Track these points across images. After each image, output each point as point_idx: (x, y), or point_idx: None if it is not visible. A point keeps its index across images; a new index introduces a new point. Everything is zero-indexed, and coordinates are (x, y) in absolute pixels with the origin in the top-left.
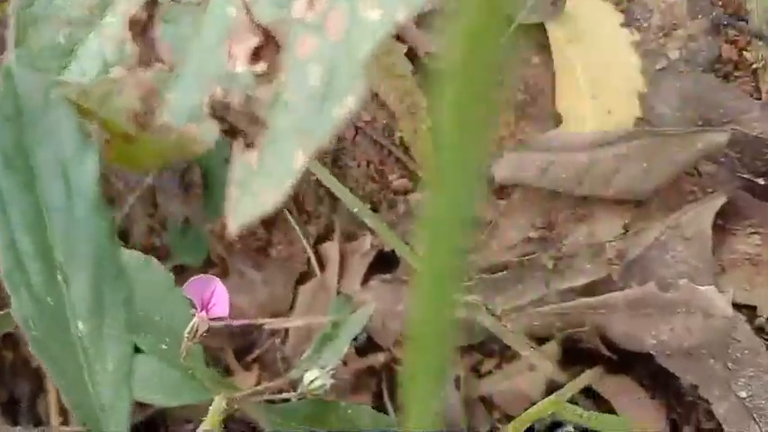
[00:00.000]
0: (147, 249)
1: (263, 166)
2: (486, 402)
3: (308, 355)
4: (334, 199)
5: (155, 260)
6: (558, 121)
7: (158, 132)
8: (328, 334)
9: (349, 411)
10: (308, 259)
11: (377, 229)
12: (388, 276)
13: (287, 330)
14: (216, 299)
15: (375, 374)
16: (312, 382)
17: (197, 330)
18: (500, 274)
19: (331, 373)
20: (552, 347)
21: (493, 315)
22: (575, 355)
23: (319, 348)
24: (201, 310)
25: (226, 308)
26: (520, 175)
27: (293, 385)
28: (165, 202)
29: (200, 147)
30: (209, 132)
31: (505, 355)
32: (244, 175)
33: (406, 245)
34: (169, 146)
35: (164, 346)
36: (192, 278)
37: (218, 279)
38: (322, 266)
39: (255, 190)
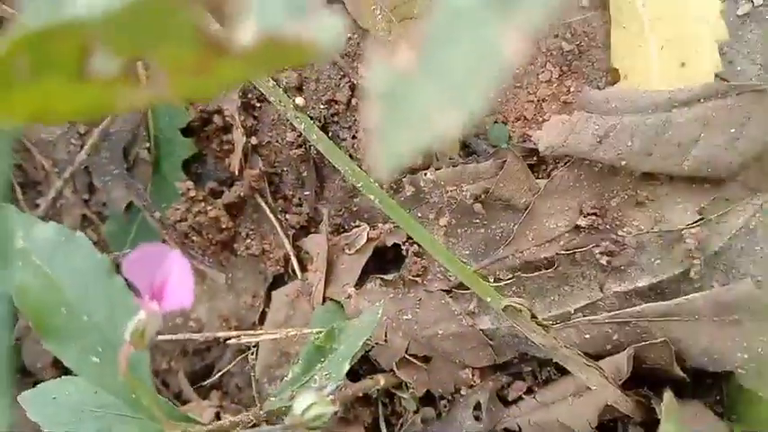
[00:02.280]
0: None
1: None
2: None
3: (294, 375)
4: (321, 179)
5: (81, 237)
6: (613, 77)
7: (243, 52)
8: (321, 348)
9: None
10: (286, 257)
11: (383, 204)
12: (389, 277)
13: (257, 347)
14: (173, 280)
15: (371, 404)
16: (306, 410)
17: (143, 330)
18: (540, 273)
19: (331, 397)
20: (611, 365)
21: (538, 323)
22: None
23: (309, 366)
24: (151, 299)
25: (188, 294)
26: (570, 144)
27: (269, 418)
28: (103, 184)
29: (314, 51)
30: (329, 28)
31: (539, 376)
32: (395, 86)
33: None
34: (262, 60)
35: (95, 359)
36: (138, 248)
37: (175, 250)
38: (303, 266)
39: (418, 107)
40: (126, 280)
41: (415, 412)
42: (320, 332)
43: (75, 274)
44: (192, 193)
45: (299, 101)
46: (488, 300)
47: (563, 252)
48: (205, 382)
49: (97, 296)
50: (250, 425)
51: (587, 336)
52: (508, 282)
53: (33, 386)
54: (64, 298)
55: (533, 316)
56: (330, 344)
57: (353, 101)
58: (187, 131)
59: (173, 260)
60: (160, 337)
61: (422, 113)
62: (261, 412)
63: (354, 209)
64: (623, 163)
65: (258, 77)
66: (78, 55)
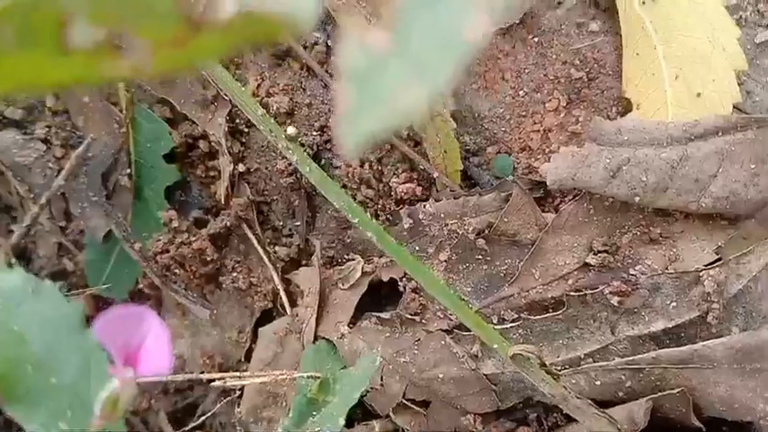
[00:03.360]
0: (55, 276)
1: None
2: None
3: (285, 429)
4: (313, 209)
5: (50, 285)
6: (625, 107)
7: (221, 26)
8: (314, 400)
9: None
10: (274, 291)
11: (381, 242)
12: (386, 315)
13: (242, 389)
14: (150, 345)
15: None
16: None
17: (116, 401)
18: (547, 315)
19: None
20: (624, 414)
21: (548, 372)
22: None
23: (301, 420)
24: (125, 364)
25: (165, 360)
26: (580, 178)
27: None
28: (80, 211)
29: (288, 26)
30: (303, 3)
31: (545, 423)
32: (366, 65)
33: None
34: (239, 34)
35: (63, 425)
36: (111, 310)
37: (152, 312)
38: (293, 301)
39: (386, 85)
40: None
41: None
42: (311, 377)
43: (42, 328)
44: (176, 224)
45: (291, 130)
46: (494, 346)
47: (572, 293)
48: (188, 424)
49: (68, 353)
50: None
51: (598, 383)
52: (513, 324)
53: None
54: (30, 355)
55: (543, 364)
56: (323, 396)
57: None
58: (170, 157)
59: (149, 322)
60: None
61: (390, 91)
62: None
63: (348, 241)
64: (637, 199)
65: (234, 52)
66: (59, 27)
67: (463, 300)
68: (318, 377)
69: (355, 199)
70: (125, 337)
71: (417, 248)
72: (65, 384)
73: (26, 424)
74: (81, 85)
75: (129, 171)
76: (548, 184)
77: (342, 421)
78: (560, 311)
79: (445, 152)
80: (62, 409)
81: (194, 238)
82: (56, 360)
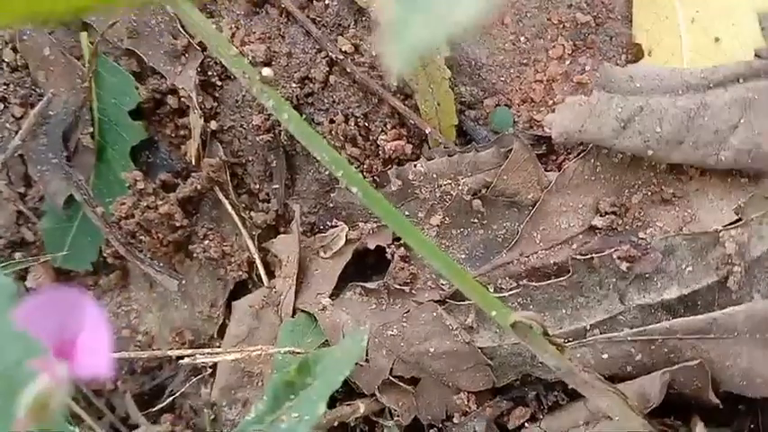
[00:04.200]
0: (14, 246)
1: None
2: None
3: (258, 413)
4: (292, 171)
5: None
6: (635, 54)
7: None
8: (292, 382)
9: None
10: (250, 260)
11: (367, 199)
12: (372, 285)
13: (215, 367)
14: (86, 336)
15: (347, 429)
16: None
17: (46, 401)
18: (549, 282)
19: None
20: (634, 390)
21: (552, 342)
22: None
23: (276, 404)
24: (57, 357)
25: (104, 355)
26: (588, 129)
27: None
28: (39, 174)
29: None
30: None
31: (545, 401)
32: None
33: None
34: None
35: None
36: (39, 293)
37: (88, 297)
38: (270, 272)
39: None
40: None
41: None
42: (289, 352)
43: None
44: (141, 186)
45: (267, 72)
46: (493, 314)
47: (578, 257)
48: (156, 405)
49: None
50: None
51: (605, 355)
52: (512, 291)
53: None
54: None
55: (546, 333)
56: (303, 378)
57: (331, 79)
58: (137, 114)
59: (85, 309)
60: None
61: (436, 4)
62: None
63: (331, 205)
64: (650, 153)
65: None
66: None
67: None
68: (298, 353)
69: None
70: (56, 326)
71: (407, 213)
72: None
73: None
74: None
75: (91, 130)
76: (552, 137)
77: (322, 407)
78: (564, 278)
79: (438, 105)
80: None
81: (162, 202)
82: None
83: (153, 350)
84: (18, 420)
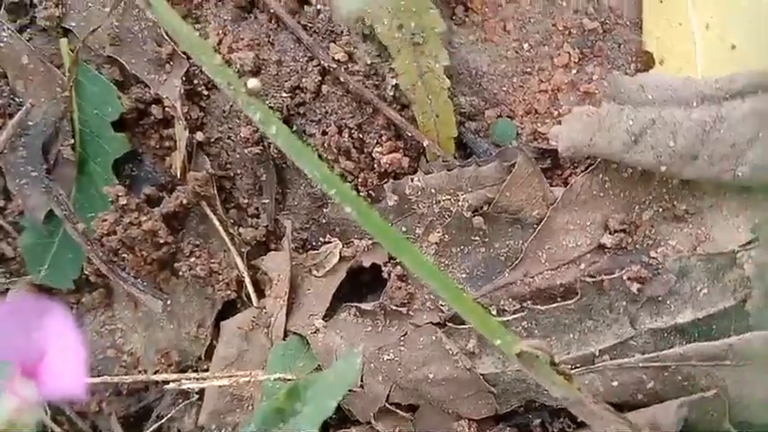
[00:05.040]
0: None
1: None
2: None
3: None
4: (283, 185)
5: None
6: (646, 62)
7: None
8: (281, 409)
9: None
10: (239, 279)
11: (361, 217)
12: (368, 306)
13: (202, 391)
14: (57, 353)
15: None
16: None
17: (14, 425)
18: (556, 304)
19: None
20: (645, 419)
21: (560, 372)
22: None
23: (267, 428)
24: (24, 376)
25: (77, 374)
26: (597, 143)
27: None
28: (18, 188)
29: None
30: None
31: (550, 429)
32: None
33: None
34: None
35: None
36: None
37: (60, 308)
38: (260, 291)
39: None
40: None
41: None
42: (280, 379)
43: None
44: (123, 201)
45: (254, 82)
46: (497, 342)
47: (587, 279)
48: (142, 429)
49: None
50: None
51: (615, 383)
52: (516, 315)
53: None
54: None
55: (554, 363)
56: (292, 405)
57: (324, 88)
58: (119, 125)
59: (56, 322)
60: (88, 379)
61: None
62: None
63: (324, 221)
64: (663, 168)
65: None
66: None
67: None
68: (288, 380)
69: (332, 171)
70: (22, 342)
71: (404, 229)
72: None
73: None
74: None
75: (72, 141)
76: (559, 150)
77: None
78: (572, 300)
79: (437, 116)
80: None
81: (145, 218)
82: None
83: (138, 373)
84: None
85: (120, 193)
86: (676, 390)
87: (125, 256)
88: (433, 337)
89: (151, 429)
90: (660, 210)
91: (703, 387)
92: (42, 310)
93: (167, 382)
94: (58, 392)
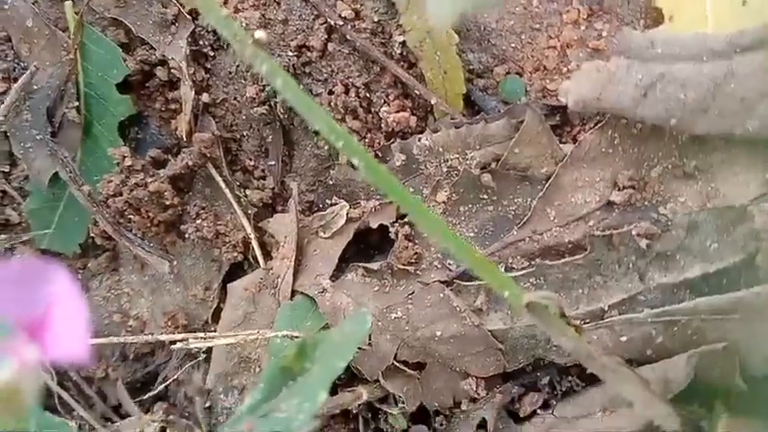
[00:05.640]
0: None
1: None
2: None
3: (254, 402)
4: (290, 146)
5: None
6: (655, 19)
7: None
8: (289, 369)
9: None
10: (245, 241)
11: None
12: (375, 266)
13: (209, 352)
14: (59, 315)
15: (350, 420)
16: None
17: (15, 389)
18: (565, 260)
19: None
20: (655, 374)
21: (567, 321)
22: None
23: (273, 392)
24: (28, 339)
25: (80, 336)
26: (607, 97)
27: None
28: (23, 152)
29: None
30: None
31: (558, 387)
32: None
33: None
34: None
35: None
36: (3, 265)
37: (62, 269)
38: (267, 252)
39: None
40: None
41: (405, 431)
42: (287, 336)
43: None
44: (129, 162)
45: (261, 34)
46: (505, 294)
47: (596, 233)
48: (148, 393)
49: None
50: None
51: (624, 338)
52: (525, 271)
53: None
54: None
55: (563, 315)
56: (301, 364)
57: (330, 47)
58: (124, 87)
59: (58, 284)
60: (94, 341)
61: None
62: None
63: (330, 183)
64: (673, 122)
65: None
66: None
67: None
68: (296, 337)
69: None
70: (24, 303)
71: (411, 189)
72: None
73: None
74: None
75: (77, 104)
76: (568, 105)
77: (323, 396)
78: (581, 256)
79: (445, 73)
80: None
81: (151, 179)
82: None
83: (145, 335)
84: None
85: (125, 155)
86: (685, 344)
87: (131, 217)
88: (441, 295)
89: (157, 391)
90: (669, 166)
91: (713, 341)
92: (46, 273)
93: (174, 343)
94: (62, 355)
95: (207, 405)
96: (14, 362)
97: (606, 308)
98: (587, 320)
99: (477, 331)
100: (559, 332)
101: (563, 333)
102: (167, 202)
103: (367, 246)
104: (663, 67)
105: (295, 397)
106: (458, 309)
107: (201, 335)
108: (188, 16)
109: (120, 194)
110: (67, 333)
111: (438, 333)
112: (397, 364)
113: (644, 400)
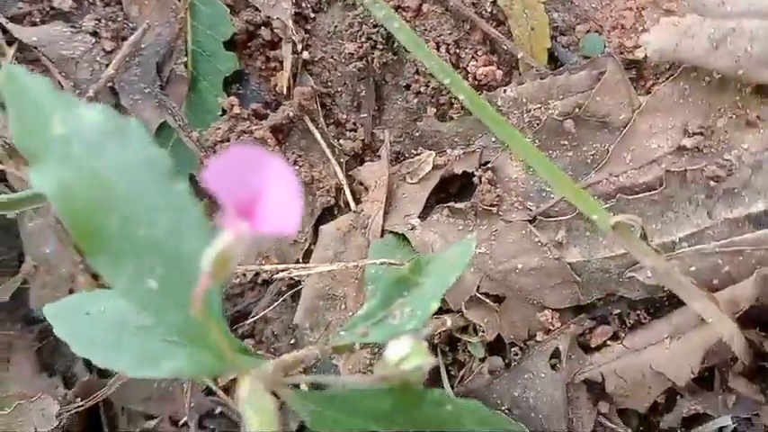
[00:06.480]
0: None
1: None
2: (594, 389)
3: (370, 309)
4: (380, 101)
5: (136, 124)
6: None
7: None
8: (404, 279)
9: (449, 407)
10: (338, 186)
11: (472, 104)
12: (460, 205)
13: (298, 292)
14: (272, 195)
15: (430, 351)
16: (403, 360)
17: (228, 257)
18: (641, 195)
19: (425, 344)
20: (723, 299)
21: (647, 243)
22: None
23: (388, 300)
24: (240, 217)
25: (293, 213)
26: (683, 48)
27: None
28: (132, 103)
29: None
30: None
31: (627, 320)
32: None
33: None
34: None
35: (152, 283)
36: (224, 153)
37: (275, 156)
38: (356, 199)
39: None
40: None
41: (482, 360)
42: (384, 262)
43: (129, 173)
44: (237, 110)
45: None
46: (594, 217)
47: (672, 169)
48: (238, 331)
49: (156, 204)
50: (314, 361)
51: (693, 268)
52: (605, 206)
53: (39, 338)
54: (116, 204)
55: (645, 236)
56: (415, 277)
57: (425, 7)
58: (230, 47)
59: (272, 169)
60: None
61: None
62: (327, 347)
63: (417, 134)
64: (740, 72)
65: None
66: None
67: (547, 189)
68: (392, 263)
69: (428, 87)
70: (242, 185)
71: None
72: (154, 238)
73: (111, 278)
74: None
75: (185, 59)
76: (648, 55)
77: (435, 305)
78: (656, 191)
79: (532, 29)
80: (150, 266)
81: (256, 127)
82: (144, 210)
83: (241, 275)
84: (203, 275)
85: (233, 103)
86: (750, 273)
87: None
88: (523, 231)
89: (245, 330)
90: (734, 116)
91: None
92: (259, 158)
93: (277, 272)
94: (273, 229)
95: (292, 341)
96: (230, 234)
97: (677, 240)
98: (660, 252)
99: (556, 264)
100: (642, 251)
101: (645, 252)
102: (269, 150)
103: (448, 195)
104: (733, 23)
105: (408, 305)
106: (539, 243)
107: (302, 265)
108: None
109: (228, 140)
110: (280, 208)
111: (519, 266)
112: (479, 296)
113: (715, 316)
